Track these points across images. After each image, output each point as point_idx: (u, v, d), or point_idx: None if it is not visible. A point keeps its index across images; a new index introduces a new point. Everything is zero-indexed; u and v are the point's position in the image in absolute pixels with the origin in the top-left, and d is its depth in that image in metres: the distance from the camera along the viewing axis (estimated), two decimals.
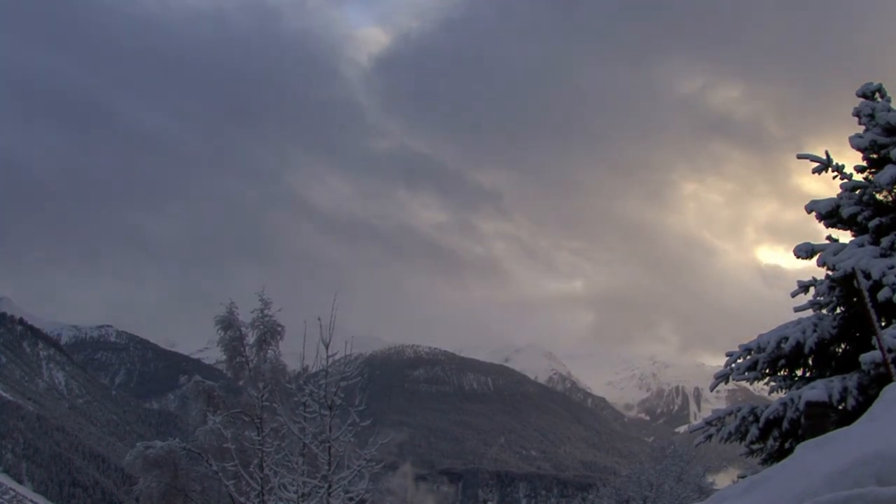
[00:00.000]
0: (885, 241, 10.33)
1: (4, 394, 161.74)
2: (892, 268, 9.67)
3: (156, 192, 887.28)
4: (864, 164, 11.13)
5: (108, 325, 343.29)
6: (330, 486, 12.57)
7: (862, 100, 11.12)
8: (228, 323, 16.43)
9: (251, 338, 16.39)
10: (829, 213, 11.12)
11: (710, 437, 11.26)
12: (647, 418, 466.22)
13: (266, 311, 16.31)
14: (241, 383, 16.42)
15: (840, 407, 9.55)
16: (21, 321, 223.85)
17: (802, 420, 9.14)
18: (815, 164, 11.23)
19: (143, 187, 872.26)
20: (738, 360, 11.21)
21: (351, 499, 13.16)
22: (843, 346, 10.72)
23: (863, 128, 11.07)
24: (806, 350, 10.39)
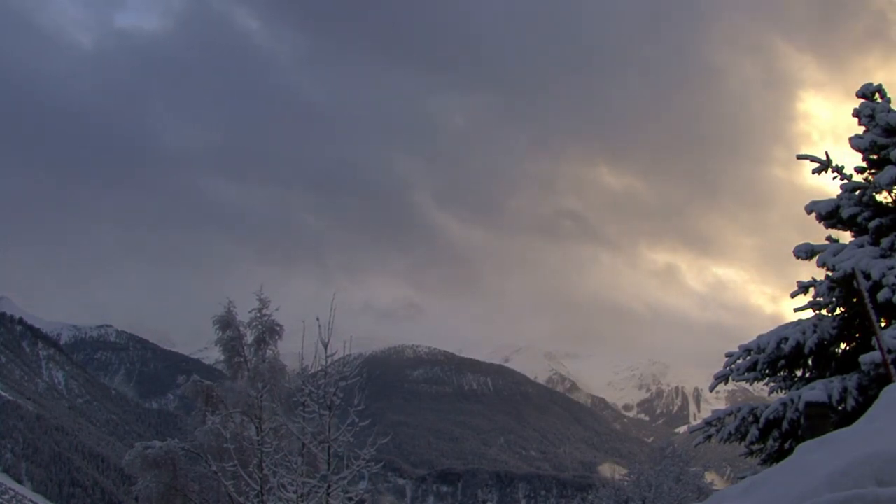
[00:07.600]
0: (884, 242, 10.33)
1: (4, 394, 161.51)
2: (891, 268, 9.66)
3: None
4: (864, 164, 11.13)
5: (107, 325, 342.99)
6: (329, 487, 12.56)
7: (862, 100, 11.10)
8: (227, 323, 16.39)
9: (249, 337, 16.35)
10: (829, 214, 11.11)
11: (709, 437, 11.26)
12: (647, 419, 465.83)
13: (264, 311, 16.27)
14: (240, 383, 16.38)
15: (840, 407, 9.55)
16: (21, 321, 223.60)
17: (802, 420, 9.13)
18: (815, 165, 11.23)
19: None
20: (738, 361, 11.21)
21: (350, 499, 13.15)
22: (842, 346, 10.72)
23: (863, 128, 11.05)
24: (806, 351, 10.38)
